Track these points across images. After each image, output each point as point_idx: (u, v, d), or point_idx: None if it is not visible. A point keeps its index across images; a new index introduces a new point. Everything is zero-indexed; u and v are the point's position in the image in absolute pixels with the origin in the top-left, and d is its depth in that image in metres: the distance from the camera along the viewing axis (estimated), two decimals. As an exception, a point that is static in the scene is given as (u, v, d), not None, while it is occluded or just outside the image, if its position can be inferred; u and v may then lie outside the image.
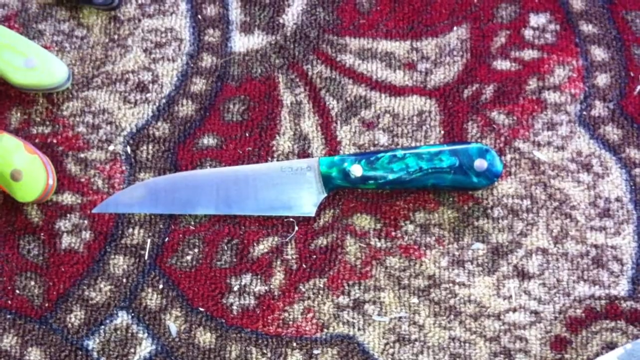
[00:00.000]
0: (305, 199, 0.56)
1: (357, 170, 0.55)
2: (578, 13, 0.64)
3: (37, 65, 0.59)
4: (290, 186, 0.56)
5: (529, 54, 0.63)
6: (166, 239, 0.58)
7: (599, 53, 0.63)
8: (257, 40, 0.63)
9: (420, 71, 0.63)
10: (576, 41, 0.64)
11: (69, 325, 0.57)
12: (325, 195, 0.56)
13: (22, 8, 0.64)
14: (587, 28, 0.64)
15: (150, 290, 0.58)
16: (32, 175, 0.56)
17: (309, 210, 0.57)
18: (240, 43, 0.63)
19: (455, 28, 0.64)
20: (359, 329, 0.57)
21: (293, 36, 0.64)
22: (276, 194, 0.56)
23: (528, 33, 0.64)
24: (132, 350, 0.57)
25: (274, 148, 0.60)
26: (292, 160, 0.59)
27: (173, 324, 0.57)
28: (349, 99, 0.62)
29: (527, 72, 0.63)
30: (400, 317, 0.57)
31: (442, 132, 0.61)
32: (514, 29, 0.64)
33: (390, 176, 0.55)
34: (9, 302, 0.57)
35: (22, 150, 0.57)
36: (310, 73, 0.63)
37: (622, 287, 0.57)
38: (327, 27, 0.64)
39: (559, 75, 0.63)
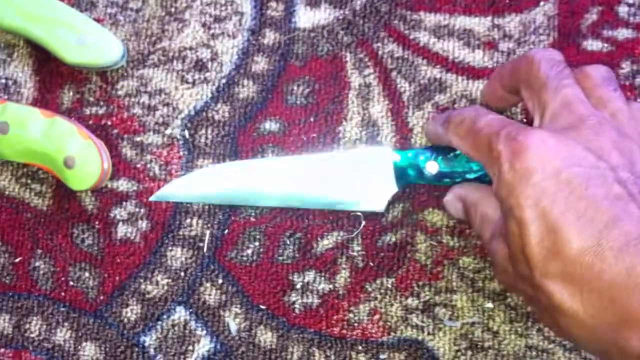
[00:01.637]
0: (375, 193, 0.52)
1: (432, 168, 0.50)
2: (680, -13, 0.58)
3: (90, 42, 0.56)
4: (359, 179, 0.52)
5: (622, 34, 0.57)
6: (226, 231, 0.55)
7: (702, 33, 0.57)
8: (323, 15, 0.58)
9: (502, 51, 0.57)
10: (676, 19, 0.57)
11: (125, 320, 0.55)
12: (397, 190, 0.52)
13: (73, -23, 0.60)
14: (689, 4, 0.58)
15: (209, 285, 0.55)
16: (86, 162, 0.53)
17: (379, 205, 0.52)
18: (305, 18, 0.58)
19: (541, 3, 0.58)
20: (428, 334, 0.53)
21: (362, 11, 0.58)
22: (343, 187, 0.52)
23: (622, 10, 0.58)
24: (190, 347, 0.54)
25: (341, 135, 0.56)
26: (361, 149, 0.54)
27: (233, 321, 0.54)
28: (422, 81, 0.57)
29: (620, 53, 0.57)
30: (473, 323, 0.53)
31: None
32: (607, 5, 0.58)
33: (469, 175, 0.50)
34: (63, 294, 0.55)
35: (76, 136, 0.53)
36: (380, 52, 0.58)
37: None
38: (400, 0, 0.58)
39: (655, 57, 0.57)
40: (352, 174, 0.52)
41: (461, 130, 0.43)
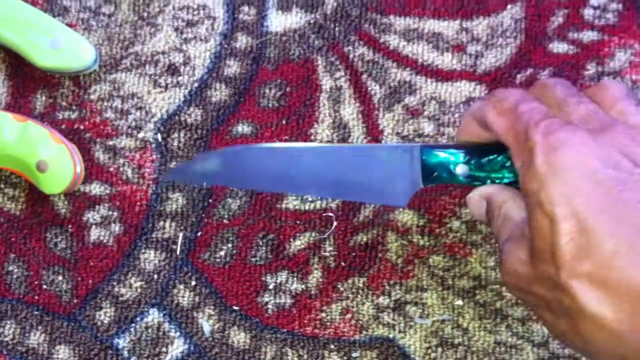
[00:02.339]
0: (399, 188, 0.48)
1: (463, 170, 0.46)
2: (643, -10, 0.59)
3: (63, 46, 0.56)
4: (384, 172, 0.48)
5: (588, 36, 0.59)
6: (199, 233, 0.56)
7: (664, 35, 0.58)
8: (295, 19, 0.59)
9: (470, 54, 0.58)
10: (639, 22, 0.59)
11: (99, 322, 0.55)
12: (422, 187, 0.48)
13: (46, -18, 0.60)
14: (652, 7, 0.59)
15: (182, 287, 0.55)
16: (58, 165, 0.54)
17: (402, 200, 0.48)
18: (277, 22, 0.59)
19: (509, 6, 0.59)
20: (399, 332, 0.54)
21: (333, 15, 0.59)
22: (368, 179, 0.48)
23: (588, 13, 0.59)
24: (164, 349, 0.54)
25: (312, 137, 0.57)
26: (389, 144, 0.52)
27: (206, 322, 0.55)
28: (392, 84, 0.58)
29: (586, 55, 0.58)
30: (443, 320, 0.54)
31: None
32: (573, 7, 0.59)
33: (500, 181, 0.45)
34: (36, 297, 0.55)
35: (48, 140, 0.54)
36: (351, 55, 0.58)
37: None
38: (370, 4, 0.59)
39: (619, 59, 0.58)
40: (378, 168, 0.48)
41: (501, 106, 0.40)
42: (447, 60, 0.58)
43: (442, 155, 0.46)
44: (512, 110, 0.39)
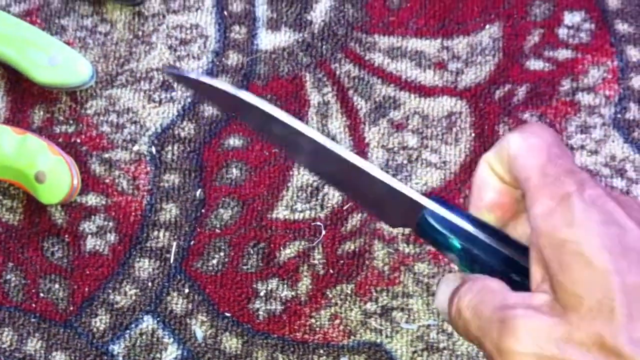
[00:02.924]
0: (394, 216, 0.41)
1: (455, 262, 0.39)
2: (614, 12, 0.63)
3: (60, 63, 0.58)
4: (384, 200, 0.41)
5: (562, 54, 0.62)
6: (192, 242, 0.58)
7: (634, 53, 0.62)
8: (284, 38, 0.62)
9: (450, 71, 0.61)
10: (611, 41, 0.62)
11: (94, 329, 0.56)
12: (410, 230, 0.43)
13: (44, 2, 0.62)
14: (622, 27, 0.62)
15: (175, 294, 0.57)
16: (56, 177, 0.56)
17: (391, 227, 0.45)
18: (267, 40, 0.62)
19: (487, 26, 0.62)
20: (386, 337, 0.56)
21: (321, 33, 0.62)
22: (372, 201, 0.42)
23: (562, 32, 0.62)
24: (158, 355, 0.56)
25: (301, 150, 0.59)
26: (402, 186, 0.41)
27: (199, 329, 0.56)
28: (377, 99, 0.61)
29: (561, 72, 0.61)
30: (429, 325, 0.56)
31: (473, 134, 0.60)
32: (548, 27, 0.62)
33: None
34: (33, 305, 0.57)
35: (46, 152, 0.56)
36: (338, 72, 0.61)
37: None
38: (356, 24, 0.62)
39: (593, 76, 0.61)
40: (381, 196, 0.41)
41: (534, 140, 0.35)
42: (429, 77, 0.61)
43: (442, 232, 0.38)
44: (543, 148, 0.35)
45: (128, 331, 0.56)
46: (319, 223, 0.58)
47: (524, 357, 0.31)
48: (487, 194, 0.37)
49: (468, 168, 0.59)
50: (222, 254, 0.57)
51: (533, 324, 0.31)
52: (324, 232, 0.58)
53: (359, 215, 0.58)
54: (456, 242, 0.37)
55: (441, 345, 0.56)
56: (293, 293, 0.57)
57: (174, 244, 0.58)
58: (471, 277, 0.35)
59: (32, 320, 0.57)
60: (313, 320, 0.56)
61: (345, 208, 0.58)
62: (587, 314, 0.30)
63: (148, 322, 0.56)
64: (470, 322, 0.33)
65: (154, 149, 0.59)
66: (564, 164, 0.33)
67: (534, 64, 0.61)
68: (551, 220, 0.32)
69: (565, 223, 0.31)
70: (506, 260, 0.36)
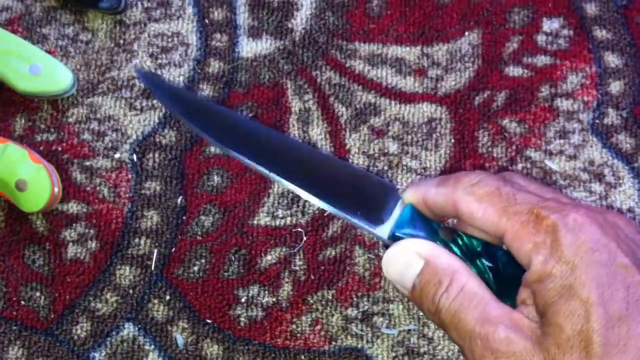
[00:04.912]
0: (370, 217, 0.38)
1: (447, 235, 0.37)
2: (592, 18, 0.63)
3: (42, 71, 0.58)
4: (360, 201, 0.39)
5: (541, 60, 0.62)
6: (173, 249, 0.58)
7: (612, 59, 0.62)
8: (265, 46, 0.62)
9: (430, 77, 0.62)
10: (589, 47, 0.63)
11: (75, 337, 0.56)
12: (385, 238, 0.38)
13: (25, 11, 0.63)
14: (600, 34, 0.63)
15: (156, 301, 0.57)
16: (37, 185, 0.56)
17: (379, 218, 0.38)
18: (248, 48, 0.62)
19: (466, 33, 0.63)
20: (367, 342, 0.56)
21: (302, 41, 0.62)
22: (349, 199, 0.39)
23: (541, 38, 0.63)
24: (139, 362, 0.56)
25: (282, 156, 0.60)
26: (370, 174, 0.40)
27: (180, 335, 0.56)
28: (358, 105, 0.61)
29: (540, 78, 0.62)
30: (409, 330, 0.56)
31: (453, 140, 0.60)
32: (527, 34, 0.63)
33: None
34: (14, 313, 0.57)
35: (27, 160, 0.56)
36: (319, 79, 0.61)
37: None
38: (337, 32, 0.63)
39: (571, 82, 0.62)
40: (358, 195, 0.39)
41: (480, 190, 0.34)
42: (409, 84, 0.62)
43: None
44: (497, 194, 0.34)
45: (109, 338, 0.56)
46: (300, 229, 0.58)
47: None
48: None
49: (448, 174, 0.59)
50: (203, 260, 0.58)
51: (514, 347, 0.31)
52: (305, 239, 0.58)
53: (340, 221, 0.58)
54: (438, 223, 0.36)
55: (422, 350, 0.56)
56: (274, 299, 0.57)
57: (155, 251, 0.58)
58: (441, 268, 0.34)
59: (14, 328, 0.57)
60: (294, 326, 0.57)
61: (326, 214, 0.58)
62: (565, 343, 0.30)
63: (129, 330, 0.57)
64: (448, 327, 0.33)
65: (135, 157, 0.59)
66: (529, 199, 0.33)
67: (513, 70, 0.62)
68: (540, 256, 0.31)
69: (554, 259, 0.31)
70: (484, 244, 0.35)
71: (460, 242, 0.35)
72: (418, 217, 0.36)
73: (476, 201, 0.34)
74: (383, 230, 0.36)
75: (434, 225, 0.36)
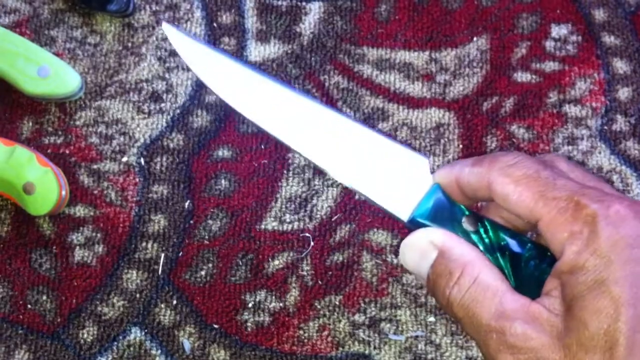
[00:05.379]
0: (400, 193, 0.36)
1: (470, 225, 0.34)
2: (600, 24, 0.63)
3: (50, 74, 0.58)
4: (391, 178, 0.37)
5: (549, 66, 0.62)
6: (180, 254, 0.58)
7: (620, 66, 0.62)
8: (273, 50, 0.62)
9: (439, 83, 0.62)
10: (598, 53, 0.62)
11: (82, 341, 0.56)
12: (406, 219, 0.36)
13: (33, 14, 0.63)
14: (609, 40, 0.63)
15: (163, 305, 0.57)
16: (44, 188, 0.56)
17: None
18: (256, 52, 0.62)
19: (474, 38, 0.63)
20: (374, 348, 0.56)
21: (310, 45, 0.62)
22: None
23: (549, 44, 0.63)
24: (146, 366, 0.56)
25: (290, 161, 0.59)
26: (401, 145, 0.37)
27: (187, 340, 0.56)
28: (366, 110, 0.61)
29: (548, 84, 0.62)
30: (416, 336, 0.56)
31: (461, 145, 0.60)
32: (535, 40, 0.63)
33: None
34: (21, 316, 0.57)
35: (34, 163, 0.56)
36: (327, 84, 0.61)
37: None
38: (345, 36, 0.63)
39: (580, 88, 0.62)
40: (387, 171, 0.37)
41: (517, 172, 0.32)
42: (417, 89, 0.61)
43: (450, 206, 0.35)
44: (534, 177, 0.32)
45: (115, 343, 0.56)
46: (307, 234, 0.58)
47: None
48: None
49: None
50: (210, 265, 0.57)
51: (532, 343, 0.30)
52: (312, 243, 0.58)
53: (348, 226, 0.58)
54: (464, 209, 0.34)
55: (429, 357, 0.56)
56: (281, 304, 0.57)
57: (162, 255, 0.58)
58: (454, 259, 0.32)
59: (20, 332, 0.56)
60: (301, 332, 0.56)
61: (333, 219, 0.58)
62: (589, 342, 0.29)
63: (136, 334, 0.56)
64: (462, 320, 0.32)
65: (142, 160, 0.59)
66: (570, 185, 0.31)
67: (521, 76, 0.62)
68: (574, 246, 0.30)
69: (589, 251, 0.29)
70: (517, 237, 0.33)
71: (483, 234, 0.34)
72: (442, 202, 0.35)
73: (512, 183, 0.32)
74: (404, 214, 0.35)
75: (459, 214, 0.34)
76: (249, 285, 0.57)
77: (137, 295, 0.57)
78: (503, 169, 0.32)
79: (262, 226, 0.58)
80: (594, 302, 0.29)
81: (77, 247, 0.58)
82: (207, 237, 0.58)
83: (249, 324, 0.57)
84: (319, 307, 0.57)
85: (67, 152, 0.59)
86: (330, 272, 0.57)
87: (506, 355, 0.30)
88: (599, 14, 0.63)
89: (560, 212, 0.31)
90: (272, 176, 0.59)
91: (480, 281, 0.31)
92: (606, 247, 0.29)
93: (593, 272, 0.29)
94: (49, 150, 0.59)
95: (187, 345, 0.56)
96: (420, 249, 0.34)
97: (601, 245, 0.29)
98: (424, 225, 0.34)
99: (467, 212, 0.34)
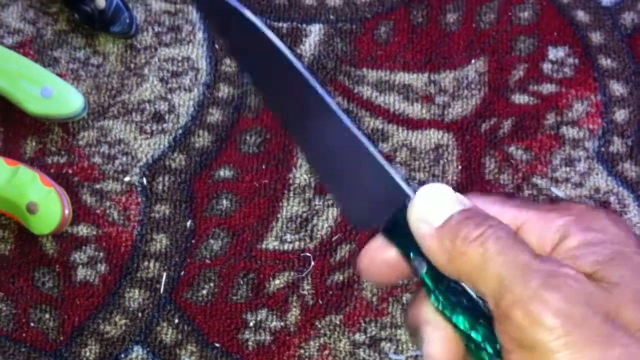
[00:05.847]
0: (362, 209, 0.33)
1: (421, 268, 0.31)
2: (597, 47, 0.64)
3: (53, 94, 0.59)
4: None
5: (547, 88, 0.63)
6: (182, 273, 0.58)
7: (617, 88, 0.63)
8: (274, 71, 0.63)
9: (437, 104, 0.63)
10: (594, 75, 0.63)
11: (84, 359, 0.57)
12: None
13: (37, 34, 0.63)
14: (605, 62, 0.64)
15: (165, 324, 0.57)
16: (47, 207, 0.56)
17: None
18: (257, 73, 0.63)
19: (473, 61, 0.64)
20: (374, 367, 0.57)
21: (310, 66, 0.63)
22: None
23: (546, 67, 0.64)
24: (147, 385, 0.56)
25: (290, 181, 0.60)
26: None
27: (188, 359, 0.57)
28: (366, 131, 0.62)
29: (545, 106, 0.63)
30: (416, 356, 0.57)
31: (460, 167, 0.61)
32: (532, 62, 0.64)
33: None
34: (24, 334, 0.57)
35: (38, 183, 0.56)
36: (327, 105, 0.62)
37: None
38: (345, 58, 0.64)
39: (577, 110, 0.62)
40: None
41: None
42: (416, 110, 0.62)
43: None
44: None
45: (117, 361, 0.57)
46: (308, 254, 0.58)
47: (565, 319, 0.25)
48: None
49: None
50: (211, 284, 0.58)
51: (584, 287, 0.26)
52: (313, 263, 0.58)
53: (348, 246, 0.59)
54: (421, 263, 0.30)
55: (428, 376, 0.56)
56: (282, 323, 0.57)
57: (164, 274, 0.58)
58: (484, 214, 0.29)
59: (23, 349, 0.57)
60: (302, 351, 0.57)
61: (334, 239, 0.59)
62: (633, 297, 0.26)
63: (138, 352, 0.57)
64: (472, 272, 0.27)
65: (144, 180, 0.60)
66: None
67: (519, 98, 0.63)
68: (576, 227, 0.28)
69: (593, 232, 0.28)
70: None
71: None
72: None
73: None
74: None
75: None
76: (250, 305, 0.58)
77: (139, 314, 0.57)
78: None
79: (263, 246, 0.59)
80: (622, 267, 0.27)
81: (80, 266, 0.58)
82: (208, 256, 0.58)
83: (250, 343, 0.57)
84: (319, 326, 0.57)
85: (70, 171, 0.60)
86: (330, 292, 0.58)
87: (554, 294, 0.26)
88: (596, 37, 0.64)
89: (544, 212, 0.29)
90: (273, 196, 0.60)
91: (506, 237, 0.28)
92: (611, 235, 0.28)
93: (611, 244, 0.28)
94: (52, 170, 0.60)
95: (188, 364, 0.56)
96: (446, 198, 0.29)
97: (605, 231, 0.28)
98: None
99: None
